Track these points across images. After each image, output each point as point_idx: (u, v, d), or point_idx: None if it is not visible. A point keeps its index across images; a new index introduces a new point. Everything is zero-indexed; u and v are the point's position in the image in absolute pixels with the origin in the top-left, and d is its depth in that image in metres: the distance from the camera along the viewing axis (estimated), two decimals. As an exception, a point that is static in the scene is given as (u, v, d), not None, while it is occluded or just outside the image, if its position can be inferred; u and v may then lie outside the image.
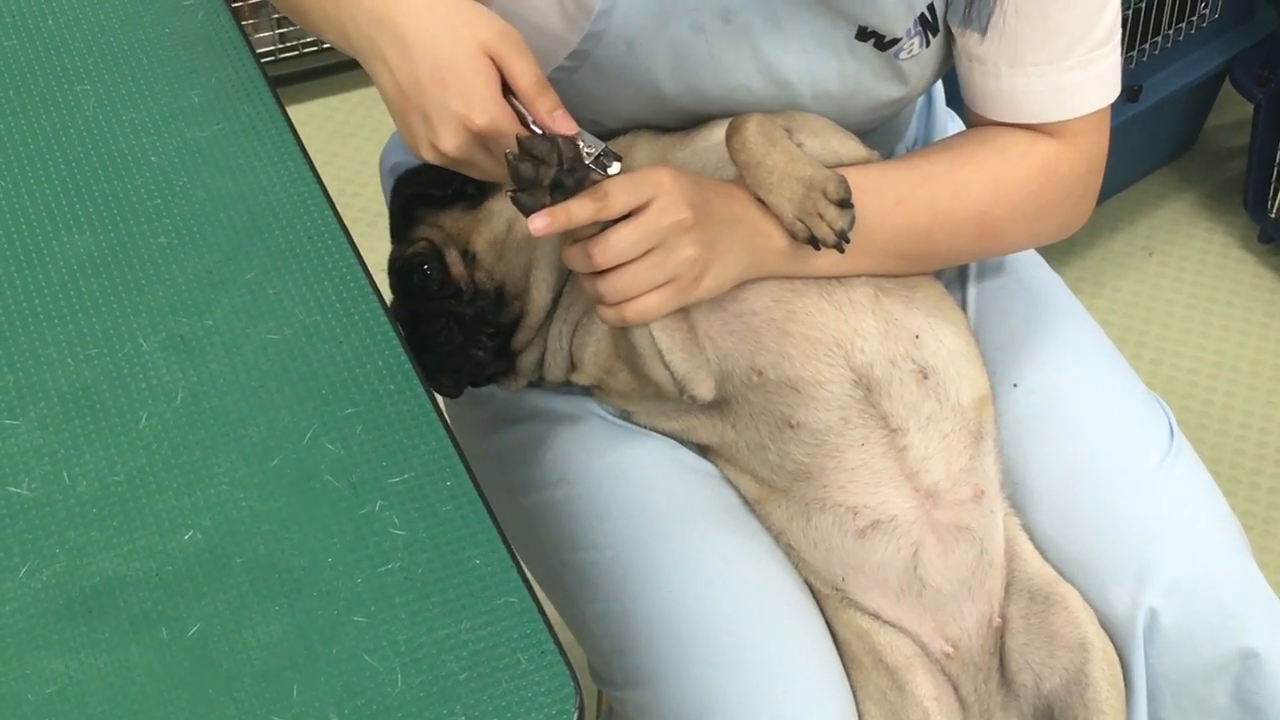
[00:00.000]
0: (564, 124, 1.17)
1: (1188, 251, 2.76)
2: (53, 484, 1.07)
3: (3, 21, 1.41)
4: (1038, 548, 1.39)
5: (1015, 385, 1.45)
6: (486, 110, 1.16)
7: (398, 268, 1.37)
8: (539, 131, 1.16)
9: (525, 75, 1.17)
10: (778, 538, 1.38)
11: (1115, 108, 1.38)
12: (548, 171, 1.14)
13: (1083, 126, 1.37)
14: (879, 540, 1.33)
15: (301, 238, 1.23)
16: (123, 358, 1.15)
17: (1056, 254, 2.71)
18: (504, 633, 1.00)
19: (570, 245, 1.22)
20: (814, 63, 1.33)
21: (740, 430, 1.35)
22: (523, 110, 1.17)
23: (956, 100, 1.60)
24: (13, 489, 1.07)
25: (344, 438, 1.10)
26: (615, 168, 1.17)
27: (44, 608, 1.01)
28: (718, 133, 1.34)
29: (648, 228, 1.20)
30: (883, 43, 1.33)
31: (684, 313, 1.29)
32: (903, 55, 1.34)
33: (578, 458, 1.41)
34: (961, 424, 1.36)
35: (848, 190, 1.25)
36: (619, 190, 1.19)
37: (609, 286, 1.22)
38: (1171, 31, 2.58)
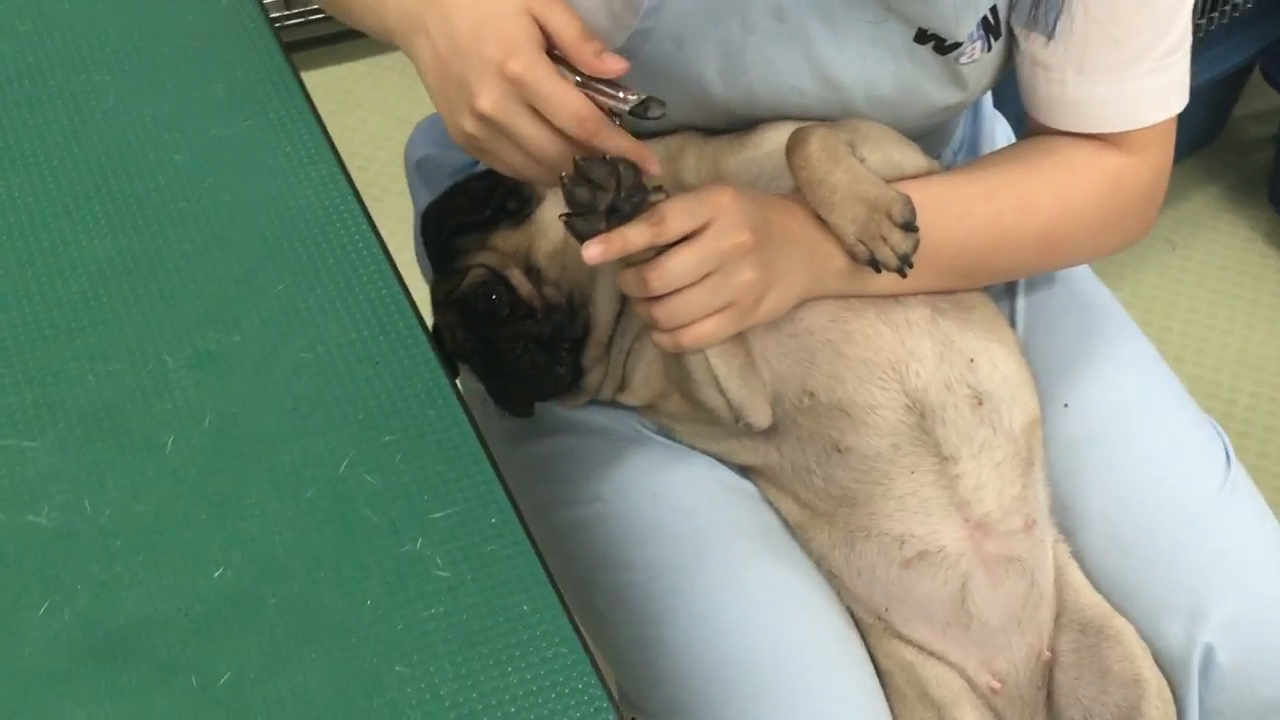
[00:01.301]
0: (613, 63, 1.10)
1: (1211, 246, 2.70)
2: (73, 513, 1.01)
3: (17, 5, 1.33)
4: (1088, 576, 1.34)
5: (1066, 405, 1.39)
6: (523, 55, 1.08)
7: (456, 300, 1.30)
8: (579, 79, 1.09)
9: (567, 27, 1.10)
10: (819, 563, 1.33)
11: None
12: (604, 196, 1.08)
13: (1150, 136, 1.31)
14: (925, 571, 1.28)
15: (335, 246, 1.17)
16: (147, 375, 1.08)
17: (1079, 246, 2.66)
18: (555, 688, 0.94)
19: (625, 270, 1.15)
20: (870, 65, 1.26)
21: (785, 453, 1.29)
22: (567, 74, 1.10)
23: (1003, 102, 1.54)
24: (31, 518, 1.00)
25: (382, 468, 1.04)
26: (657, 110, 1.09)
27: (66, 650, 0.95)
28: (771, 138, 1.28)
29: (706, 251, 1.14)
30: (943, 46, 1.26)
31: (740, 337, 1.23)
32: (964, 60, 1.28)
33: (613, 474, 1.35)
34: (1014, 451, 1.30)
35: (913, 213, 1.19)
36: (677, 213, 1.12)
37: (665, 312, 1.15)
38: (1203, 21, 2.51)
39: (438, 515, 1.02)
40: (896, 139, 1.29)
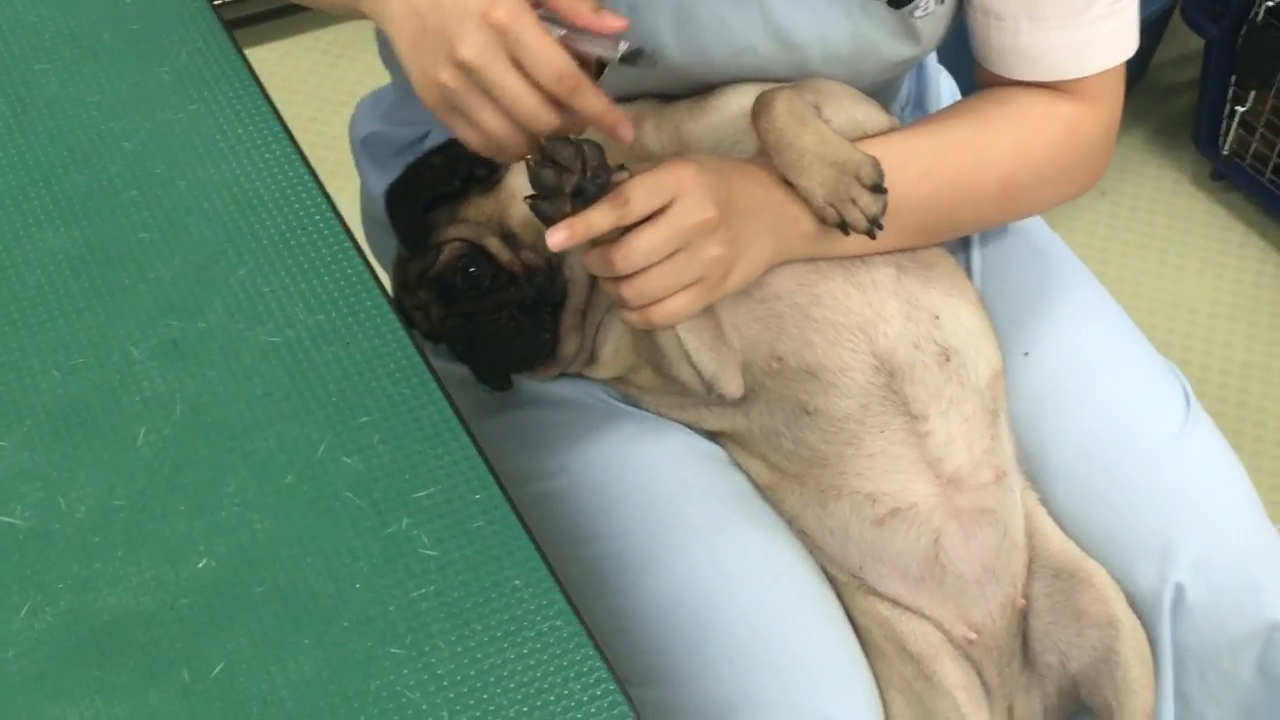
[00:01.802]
0: (611, 20, 1.08)
1: (1139, 190, 2.72)
2: (48, 511, 0.99)
3: (-52, -4, 1.30)
4: (1057, 522, 1.35)
5: (1026, 354, 1.40)
6: (508, 4, 1.05)
7: (433, 278, 1.28)
8: (561, 32, 1.07)
9: None
10: (790, 524, 1.32)
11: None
12: (570, 179, 1.07)
13: (1102, 83, 1.31)
14: (898, 528, 1.28)
15: (295, 228, 1.15)
16: (112, 367, 1.06)
17: (1010, 196, 2.67)
18: (553, 660, 0.93)
19: (590, 250, 1.14)
20: (825, 23, 1.26)
21: (754, 418, 1.29)
22: (551, 27, 1.07)
23: (945, 56, 1.54)
24: (5, 518, 0.98)
25: (361, 450, 1.03)
26: (648, 59, 1.08)
27: (51, 651, 0.93)
28: (731, 102, 1.27)
29: (671, 229, 1.13)
30: (897, 1, 1.26)
31: (710, 308, 1.23)
32: (918, 13, 1.27)
33: (579, 445, 1.34)
34: (980, 404, 1.31)
35: (881, 175, 1.19)
36: (641, 193, 1.11)
37: (633, 290, 1.14)
38: (1125, -33, 2.52)
39: (421, 494, 1.01)
40: (858, 97, 1.29)
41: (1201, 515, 1.32)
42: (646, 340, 1.25)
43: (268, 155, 1.19)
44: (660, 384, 1.29)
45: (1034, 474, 1.36)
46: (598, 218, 1.10)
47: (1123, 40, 1.30)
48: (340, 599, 0.96)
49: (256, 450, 1.02)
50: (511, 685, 0.92)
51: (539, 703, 0.91)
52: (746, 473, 1.34)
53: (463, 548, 0.98)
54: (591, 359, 1.32)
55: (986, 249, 1.46)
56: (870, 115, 1.28)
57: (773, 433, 1.29)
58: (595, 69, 1.10)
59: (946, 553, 1.28)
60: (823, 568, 1.32)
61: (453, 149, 1.26)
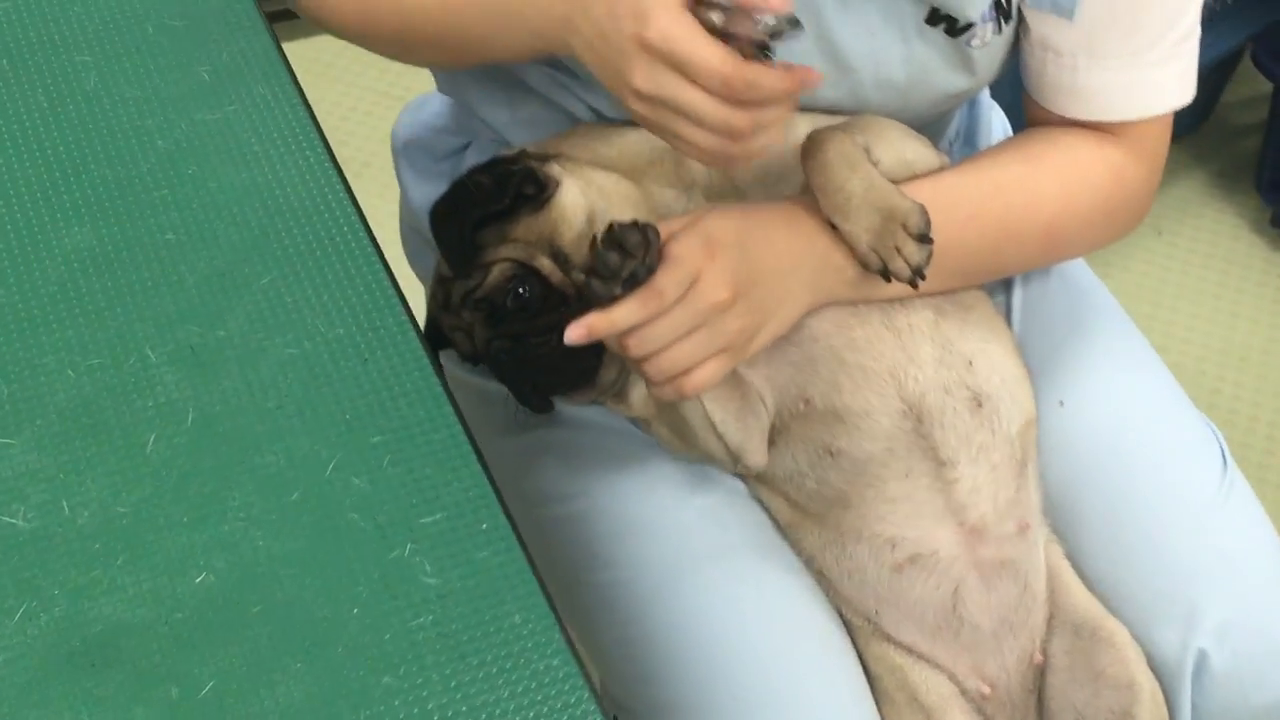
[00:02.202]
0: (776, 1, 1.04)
1: (1197, 233, 2.69)
2: (51, 514, 0.98)
3: (-5, -20, 1.30)
4: (1082, 577, 1.32)
5: (1061, 404, 1.37)
6: (655, 21, 1.03)
7: (480, 299, 1.23)
8: (718, 21, 1.03)
9: None
10: (808, 563, 1.30)
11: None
12: (630, 264, 1.06)
13: (1151, 129, 1.29)
14: (917, 576, 1.26)
15: (322, 238, 1.14)
16: (128, 370, 1.05)
17: (1065, 231, 2.63)
18: (547, 702, 0.92)
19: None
20: (879, 46, 1.23)
21: (776, 457, 1.27)
22: (714, 15, 1.04)
23: (997, 91, 1.52)
24: (7, 519, 0.97)
25: (370, 470, 1.01)
26: (795, 30, 1.03)
27: (42, 658, 0.92)
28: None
29: (686, 313, 1.12)
30: (955, 28, 1.23)
31: (738, 377, 1.21)
32: (974, 43, 1.25)
33: (600, 469, 1.33)
34: (1009, 453, 1.28)
35: (928, 224, 1.16)
36: (670, 286, 1.10)
37: (655, 368, 1.13)
38: (1195, 7, 2.48)
39: (427, 520, 0.99)
40: (909, 136, 1.27)
41: (1230, 582, 1.30)
42: (672, 412, 1.23)
43: (300, 162, 1.18)
44: (681, 445, 1.27)
45: (1061, 527, 1.34)
46: (624, 314, 1.09)
47: (1180, 86, 1.27)
48: (336, 623, 0.94)
49: (265, 464, 1.01)
50: (503, 724, 0.91)
51: (529, 744, 0.90)
52: (767, 509, 1.32)
53: (464, 578, 0.97)
54: (619, 396, 1.30)
55: (1028, 291, 1.43)
56: (920, 154, 1.26)
57: (796, 472, 1.27)
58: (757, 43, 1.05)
59: (965, 604, 1.26)
60: (838, 610, 1.30)
61: (499, 167, 1.24)
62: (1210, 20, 2.47)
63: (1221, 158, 2.79)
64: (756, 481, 1.32)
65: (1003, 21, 1.25)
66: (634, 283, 1.08)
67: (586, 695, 0.92)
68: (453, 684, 0.92)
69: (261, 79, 1.24)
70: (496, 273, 1.23)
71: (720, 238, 1.14)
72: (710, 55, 1.03)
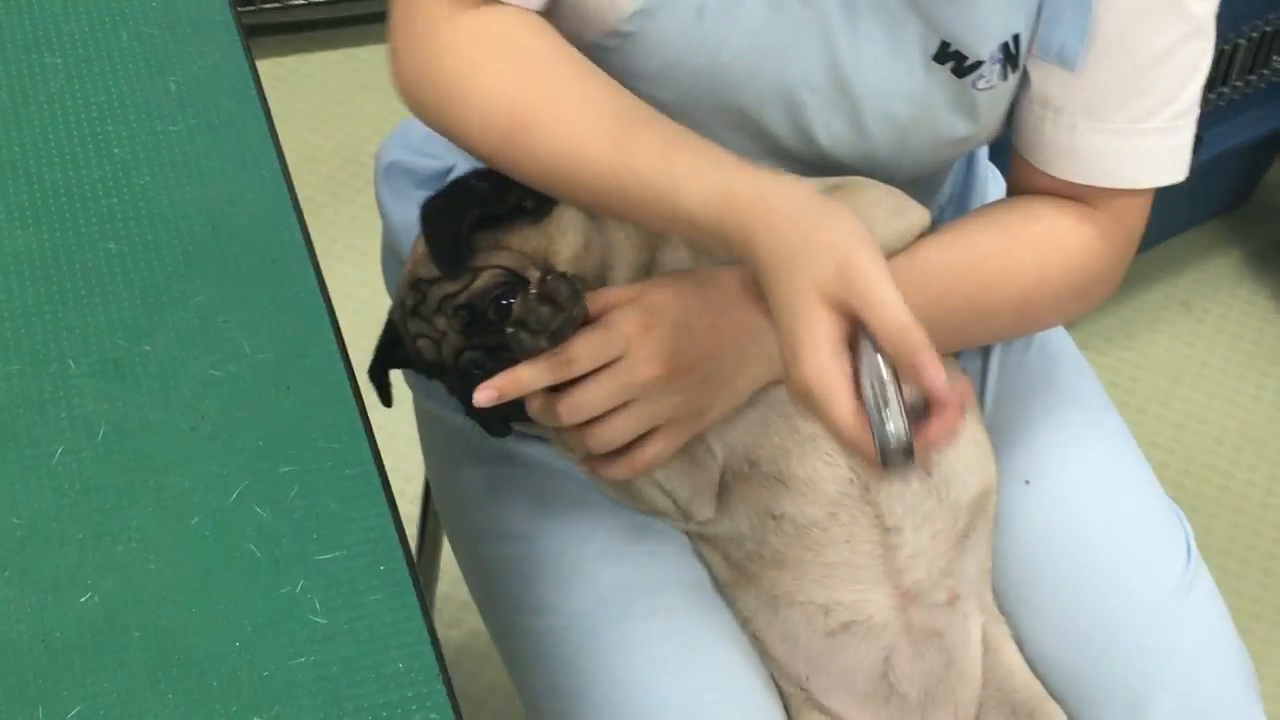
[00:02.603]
0: (934, 369, 0.98)
1: (1228, 311, 2.64)
2: (-53, 519, 0.97)
3: (-24, -25, 1.30)
4: (1030, 657, 1.29)
5: (1027, 483, 1.34)
6: (802, 362, 0.99)
7: (462, 305, 1.18)
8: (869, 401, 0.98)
9: (887, 309, 0.98)
10: (744, 625, 1.28)
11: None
12: (559, 317, 1.05)
13: (1133, 203, 1.26)
14: (849, 641, 1.23)
15: (265, 259, 1.13)
16: (47, 378, 1.04)
17: (1091, 299, 2.59)
18: (417, 755, 0.90)
19: (533, 398, 1.11)
20: (885, 77, 1.20)
21: (717, 517, 1.24)
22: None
23: (998, 156, 1.49)
24: (-98, 520, 0.97)
25: (275, 500, 1.00)
26: (905, 460, 0.97)
27: (-85, 665, 0.91)
28: None
29: (615, 384, 1.10)
30: (962, 66, 1.21)
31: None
32: (980, 85, 1.22)
33: (541, 511, 1.31)
34: (952, 522, 1.25)
35: None
36: (586, 353, 1.08)
37: (596, 439, 1.11)
38: (1239, 84, 2.45)
39: (325, 557, 0.98)
40: (894, 211, 1.23)
41: (1181, 678, 1.26)
42: None
43: (255, 180, 1.17)
44: (628, 498, 1.25)
45: (1014, 604, 1.31)
46: (530, 375, 1.08)
47: (1174, 160, 1.24)
48: (215, 655, 0.93)
49: (170, 486, 1.00)
50: (369, 774, 0.89)
51: (391, 798, 0.88)
52: (709, 566, 1.30)
53: (353, 620, 0.95)
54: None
55: (1006, 358, 1.40)
56: (899, 233, 1.22)
57: (736, 533, 1.25)
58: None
59: (895, 670, 1.23)
60: (772, 676, 1.28)
61: (499, 178, 1.21)
62: (1253, 99, 2.44)
63: (1259, 238, 2.74)
64: (698, 537, 1.29)
65: (1009, 69, 1.23)
66: (559, 339, 1.06)
67: (459, 752, 0.90)
68: (325, 728, 0.90)
69: (229, 93, 1.23)
70: (486, 277, 1.19)
71: (662, 311, 1.12)
72: (840, 418, 0.98)
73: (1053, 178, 1.26)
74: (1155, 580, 1.30)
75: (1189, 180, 2.50)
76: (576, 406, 1.10)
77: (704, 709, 1.22)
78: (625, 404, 1.11)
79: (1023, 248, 1.26)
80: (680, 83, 1.20)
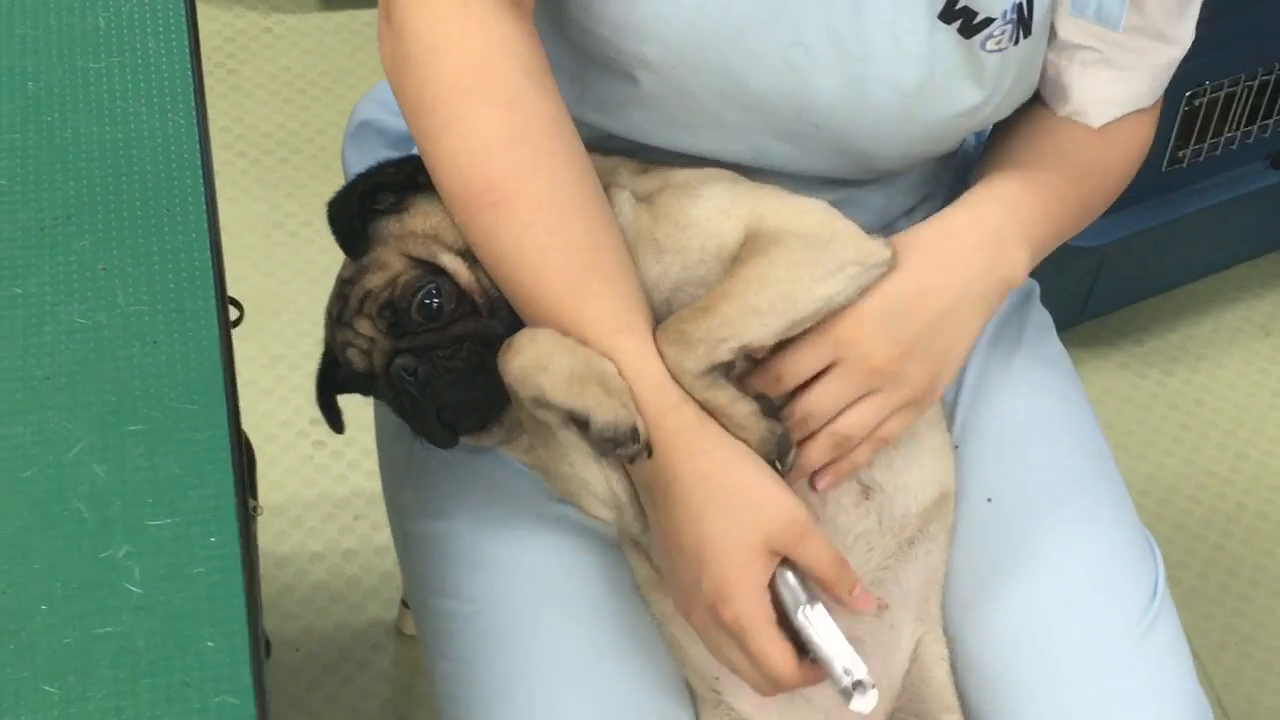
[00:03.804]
0: (864, 602, 1.07)
1: (1308, 340, 2.50)
2: None
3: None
4: (973, 676, 1.22)
5: (990, 500, 1.26)
6: (737, 607, 1.03)
7: (380, 308, 1.11)
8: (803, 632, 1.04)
9: (819, 560, 1.05)
10: (660, 627, 1.21)
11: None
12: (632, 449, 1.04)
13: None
14: None
15: (160, 208, 1.08)
16: (-91, 314, 1.01)
17: (1163, 317, 2.47)
18: (206, 741, 0.84)
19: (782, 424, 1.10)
20: (887, 35, 1.12)
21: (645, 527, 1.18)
22: (791, 605, 1.04)
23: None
24: None
25: (116, 459, 0.95)
26: (867, 704, 1.01)
27: None
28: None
29: (848, 381, 1.11)
30: (971, 25, 1.13)
31: None
32: (989, 45, 1.14)
33: (465, 493, 1.25)
34: (895, 535, 1.18)
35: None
36: (797, 366, 1.11)
37: (837, 438, 1.13)
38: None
39: (155, 523, 0.93)
40: (827, 265, 1.12)
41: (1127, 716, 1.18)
42: (565, 481, 1.13)
43: (166, 126, 1.13)
44: (571, 500, 1.17)
45: (963, 623, 1.23)
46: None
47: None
48: (18, 616, 0.88)
49: (10, 435, 0.96)
50: (153, 758, 0.84)
51: (170, 785, 0.83)
52: (631, 567, 1.23)
53: (170, 593, 0.90)
54: (507, 438, 1.19)
55: (991, 357, 1.31)
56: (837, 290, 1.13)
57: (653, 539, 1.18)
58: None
59: None
60: (685, 679, 1.21)
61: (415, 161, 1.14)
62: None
63: (1352, 266, 2.60)
64: (625, 537, 1.23)
65: (1021, 32, 1.15)
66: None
67: (253, 742, 0.85)
68: (118, 704, 0.86)
69: (158, 33, 1.19)
70: (404, 276, 1.11)
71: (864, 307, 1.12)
72: (774, 661, 1.04)
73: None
74: (1116, 615, 1.22)
75: (1274, 202, 2.38)
76: (810, 413, 1.10)
77: (606, 709, 1.16)
78: (862, 398, 1.11)
79: (1114, 150, 1.27)
80: (665, 39, 1.12)
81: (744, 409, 1.06)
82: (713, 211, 1.13)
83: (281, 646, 1.95)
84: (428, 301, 1.10)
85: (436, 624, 1.23)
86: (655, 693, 1.19)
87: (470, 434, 1.18)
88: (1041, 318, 1.37)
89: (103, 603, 0.89)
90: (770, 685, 1.05)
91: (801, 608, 1.03)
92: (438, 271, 1.11)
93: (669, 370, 1.05)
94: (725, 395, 1.06)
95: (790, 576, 1.04)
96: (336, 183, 1.17)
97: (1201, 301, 2.50)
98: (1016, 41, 1.15)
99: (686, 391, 1.05)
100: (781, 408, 1.10)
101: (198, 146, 1.11)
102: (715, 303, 1.07)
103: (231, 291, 1.12)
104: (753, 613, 1.03)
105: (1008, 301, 1.34)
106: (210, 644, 0.88)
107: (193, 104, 1.14)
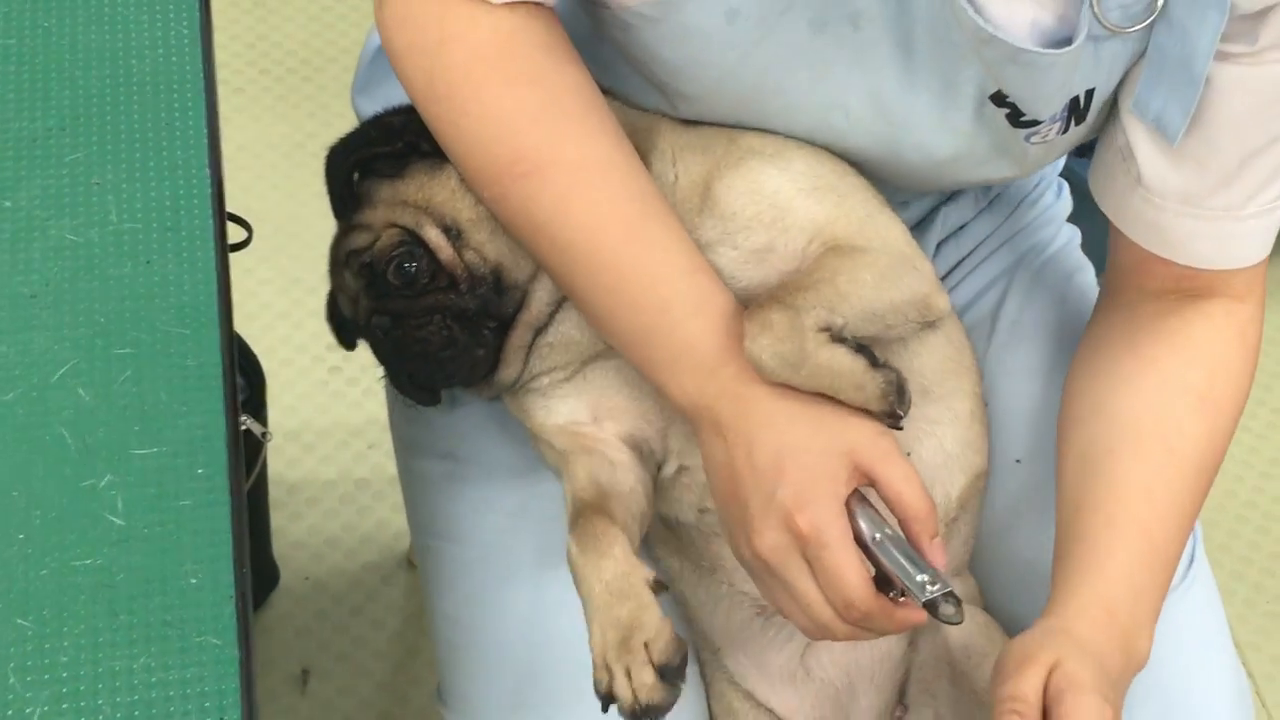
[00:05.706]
0: (938, 554, 0.99)
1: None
2: None
3: None
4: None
5: (1018, 461, 1.21)
6: (815, 511, 0.96)
7: (363, 265, 1.08)
8: (879, 554, 0.97)
9: (906, 489, 0.98)
10: (671, 583, 1.17)
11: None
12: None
13: (1252, 277, 1.14)
14: (769, 624, 1.14)
15: (159, 121, 1.03)
16: (-105, 224, 0.96)
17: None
18: (189, 683, 0.80)
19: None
20: (933, 113, 1.08)
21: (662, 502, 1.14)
22: (869, 530, 0.97)
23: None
24: None
25: (102, 383, 0.91)
26: (952, 612, 0.95)
27: None
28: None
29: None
30: (1019, 118, 1.08)
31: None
32: (1034, 139, 1.09)
33: (476, 435, 1.21)
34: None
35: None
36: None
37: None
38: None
39: (141, 452, 0.88)
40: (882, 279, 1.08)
41: (1165, 684, 1.14)
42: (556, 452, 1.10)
43: (169, 34, 1.08)
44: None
45: (992, 587, 1.19)
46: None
47: (1266, 240, 1.12)
48: (-6, 545, 0.84)
49: (-7, 355, 0.91)
50: (129, 700, 0.80)
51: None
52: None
53: (154, 525, 0.86)
54: (522, 406, 1.15)
55: (1022, 315, 1.26)
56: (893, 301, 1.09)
57: (668, 516, 1.14)
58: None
59: (814, 658, 1.13)
60: (692, 641, 1.17)
61: (400, 117, 1.10)
62: None
63: None
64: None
65: (1072, 122, 1.09)
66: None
67: (234, 687, 0.81)
68: (93, 640, 0.82)
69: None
70: (385, 238, 1.09)
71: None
72: (849, 576, 0.96)
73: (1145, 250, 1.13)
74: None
75: None
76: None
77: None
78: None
79: (1223, 415, 1.14)
80: (701, 80, 1.08)
81: (860, 364, 1.00)
82: (790, 188, 1.09)
83: (290, 574, 1.92)
84: (405, 266, 1.07)
85: (437, 565, 1.19)
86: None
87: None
88: (1084, 278, 1.32)
89: (82, 534, 0.85)
90: (823, 626, 0.99)
91: (879, 532, 0.97)
92: (418, 242, 1.07)
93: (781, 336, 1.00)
94: (842, 350, 1.00)
95: (869, 507, 0.99)
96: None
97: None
98: (1066, 131, 1.10)
99: (800, 358, 1.00)
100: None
101: (200, 57, 1.06)
102: (814, 282, 1.03)
103: (250, 212, 1.08)
104: (832, 521, 0.97)
105: (1048, 253, 1.29)
106: (194, 581, 0.84)
107: (198, 11, 1.08)
